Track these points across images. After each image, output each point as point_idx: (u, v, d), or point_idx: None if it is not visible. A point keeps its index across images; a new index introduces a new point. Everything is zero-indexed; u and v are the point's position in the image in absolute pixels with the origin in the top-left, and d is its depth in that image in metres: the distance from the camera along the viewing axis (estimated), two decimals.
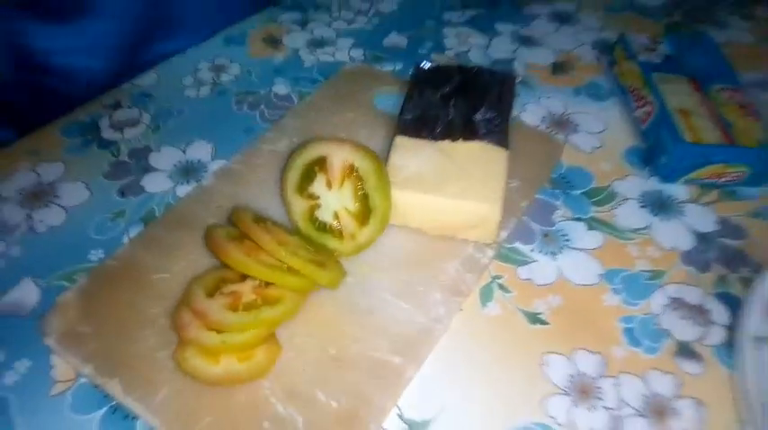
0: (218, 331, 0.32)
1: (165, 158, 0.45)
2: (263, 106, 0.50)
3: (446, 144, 0.41)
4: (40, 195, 0.42)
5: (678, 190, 0.46)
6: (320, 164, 0.37)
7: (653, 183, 0.46)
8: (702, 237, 0.43)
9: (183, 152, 0.46)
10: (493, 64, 0.56)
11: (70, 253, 0.39)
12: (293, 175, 0.38)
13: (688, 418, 0.33)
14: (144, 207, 0.42)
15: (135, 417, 0.32)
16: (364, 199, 0.37)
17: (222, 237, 0.34)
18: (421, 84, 0.46)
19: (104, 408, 0.32)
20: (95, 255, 0.39)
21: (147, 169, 0.44)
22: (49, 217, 0.41)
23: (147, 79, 0.51)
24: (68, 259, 0.38)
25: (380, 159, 0.38)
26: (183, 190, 0.43)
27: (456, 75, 0.47)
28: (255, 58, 0.55)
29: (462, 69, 0.47)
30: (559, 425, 0.33)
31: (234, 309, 0.33)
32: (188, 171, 0.45)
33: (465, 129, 0.42)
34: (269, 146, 0.45)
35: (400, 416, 0.33)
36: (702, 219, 0.44)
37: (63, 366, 0.34)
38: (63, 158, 0.45)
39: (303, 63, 0.55)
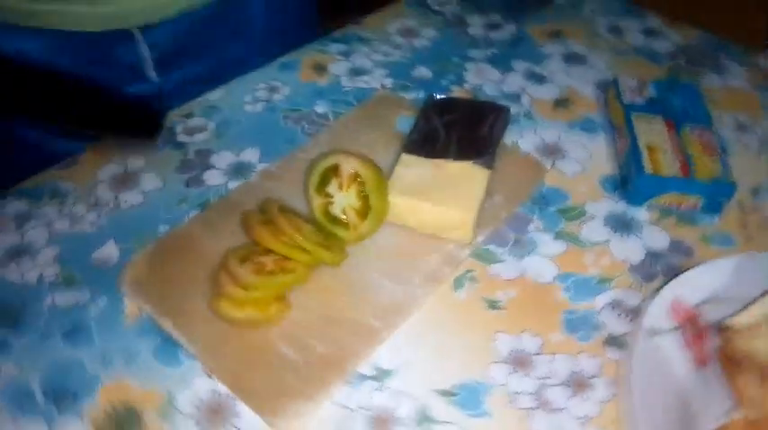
0: (245, 288, 0.43)
1: (223, 159, 0.57)
2: (304, 122, 0.61)
3: (441, 162, 0.52)
4: (125, 181, 0.55)
5: (641, 213, 0.54)
6: (334, 170, 0.48)
7: (621, 206, 0.55)
8: (653, 254, 0.51)
9: (237, 155, 0.58)
10: (504, 97, 0.66)
11: (144, 225, 0.51)
12: (314, 178, 0.49)
13: (601, 391, 0.42)
14: (203, 196, 0.54)
15: (179, 346, 0.43)
16: (365, 199, 0.48)
17: (254, 220, 0.46)
18: (429, 111, 0.57)
19: (159, 338, 0.44)
20: (163, 228, 0.51)
21: (208, 167, 0.57)
22: (131, 197, 0.54)
23: (216, 95, 0.64)
24: (142, 230, 0.51)
25: (380, 169, 0.49)
26: (234, 184, 0.55)
27: (460, 105, 0.57)
28: (304, 82, 0.66)
29: (465, 101, 0.58)
30: (496, 384, 0.42)
31: (258, 273, 0.44)
32: (239, 170, 0.56)
33: (458, 151, 0.52)
34: (304, 154, 0.56)
35: (373, 365, 0.43)
36: (657, 238, 0.52)
37: (132, 306, 0.46)
38: (145, 154, 0.57)
39: (342, 88, 0.66)
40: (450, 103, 0.58)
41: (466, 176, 0.50)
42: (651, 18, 0.78)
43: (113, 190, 0.54)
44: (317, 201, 0.49)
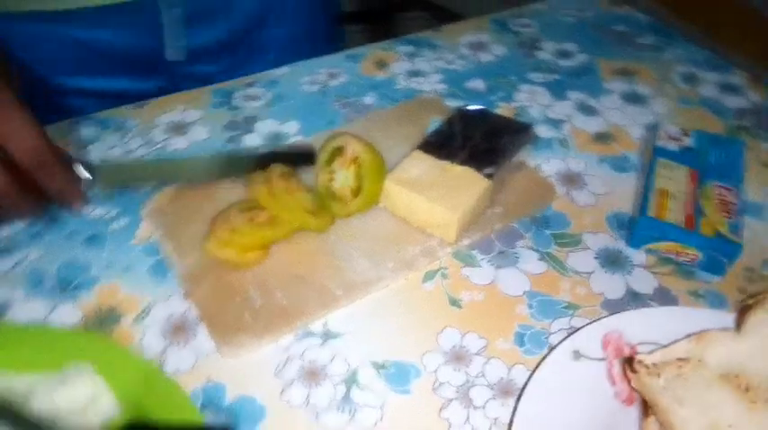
0: (233, 232, 0.49)
1: (266, 126, 0.64)
2: (349, 108, 0.67)
3: (446, 164, 0.55)
4: (178, 128, 0.63)
5: (638, 255, 0.54)
6: (340, 150, 0.53)
7: (618, 245, 0.55)
8: (634, 295, 0.51)
9: (279, 125, 0.64)
10: (546, 121, 0.67)
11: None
12: (323, 155, 0.54)
13: None
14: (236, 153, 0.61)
15: (169, 269, 0.50)
16: (359, 180, 0.52)
17: (257, 179, 0.51)
18: (455, 118, 0.60)
19: (155, 260, 0.51)
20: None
21: (250, 131, 0.63)
22: (178, 143, 0.61)
23: (280, 72, 0.71)
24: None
25: (380, 156, 0.53)
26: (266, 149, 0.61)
27: (487, 118, 0.60)
28: (363, 75, 0.72)
29: (493, 115, 0.60)
30: (426, 370, 0.45)
31: (248, 222, 0.49)
32: (275, 138, 0.63)
33: (466, 158, 0.55)
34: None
35: (324, 325, 0.47)
36: (643, 281, 0.52)
37: (145, 228, 0.53)
38: (203, 109, 0.65)
39: (396, 86, 0.70)
40: (477, 115, 0.61)
41: (465, 181, 0.53)
42: (735, 74, 0.76)
43: (166, 133, 0.62)
44: (322, 176, 0.54)
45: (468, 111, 0.61)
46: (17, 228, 0.53)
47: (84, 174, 0.48)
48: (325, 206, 0.53)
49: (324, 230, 0.51)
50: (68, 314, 0.47)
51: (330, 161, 0.53)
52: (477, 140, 0.57)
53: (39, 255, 0.51)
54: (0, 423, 0.37)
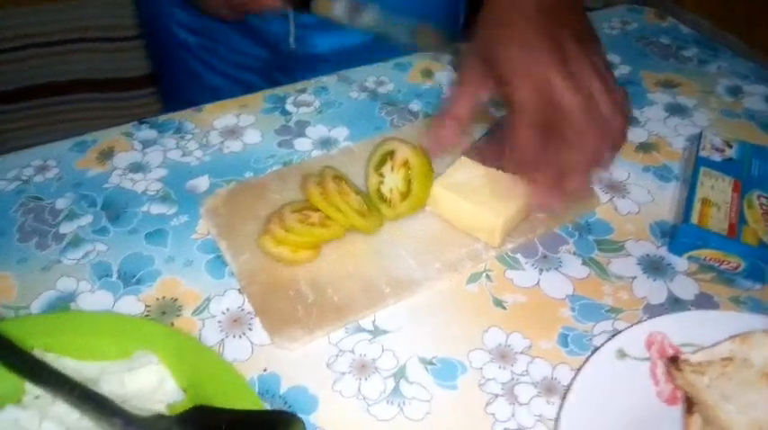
0: (286, 231, 0.51)
1: (316, 132, 0.66)
2: (395, 115, 0.69)
3: (492, 170, 0.56)
4: (234, 131, 0.66)
5: (681, 263, 0.55)
6: (391, 154, 0.55)
7: (660, 252, 0.56)
8: (675, 300, 0.52)
9: (329, 131, 0.67)
10: None
11: (234, 169, 0.61)
12: (374, 158, 0.56)
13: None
14: (288, 156, 0.63)
15: (226, 264, 0.53)
16: (408, 183, 0.54)
17: (310, 181, 0.54)
18: (502, 127, 0.61)
19: (213, 256, 0.54)
20: (248, 174, 0.61)
21: (301, 135, 0.66)
22: (233, 146, 0.64)
23: (330, 79, 0.73)
24: (232, 172, 0.61)
25: (428, 161, 0.54)
26: (316, 153, 0.64)
27: None
28: (410, 83, 0.74)
29: None
30: (472, 367, 0.47)
31: (301, 222, 0.52)
32: (325, 143, 0.65)
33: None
34: None
35: (373, 322, 0.49)
36: (686, 287, 0.53)
37: (203, 225, 0.56)
38: (257, 114, 0.68)
39: (441, 94, 0.72)
40: None
41: (509, 188, 0.55)
42: None
43: (222, 136, 0.65)
44: (373, 179, 0.56)
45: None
46: (83, 222, 0.56)
47: None
48: (374, 208, 0.55)
49: (373, 232, 0.53)
50: (132, 305, 0.50)
51: (380, 165, 0.56)
52: None
53: (104, 248, 0.54)
54: (72, 401, 0.40)
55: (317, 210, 0.53)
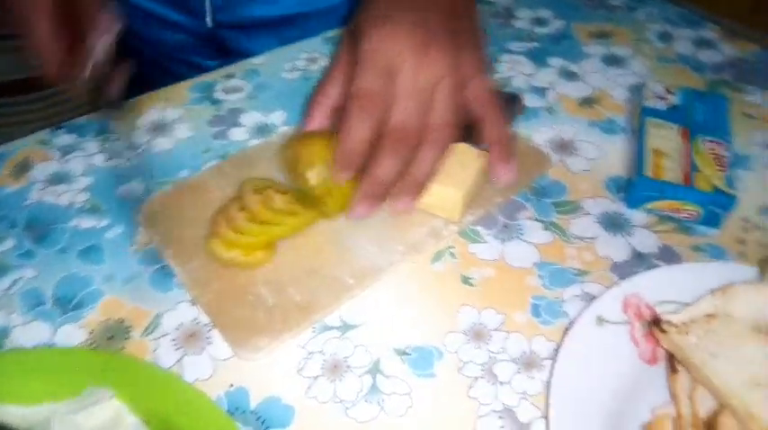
0: (237, 232, 0.47)
1: (251, 118, 0.62)
2: None
3: None
4: (161, 128, 0.61)
5: (639, 216, 0.55)
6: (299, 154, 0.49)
7: (618, 207, 0.55)
8: (638, 255, 0.52)
9: (265, 116, 0.63)
10: (531, 90, 0.67)
11: (168, 169, 0.57)
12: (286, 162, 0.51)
13: (547, 373, 0.44)
14: (224, 149, 0.59)
15: (173, 275, 0.49)
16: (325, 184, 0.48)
17: (247, 188, 0.49)
18: None
19: (157, 267, 0.50)
20: (183, 173, 0.57)
21: (235, 124, 0.62)
22: (163, 143, 0.59)
23: (259, 60, 0.69)
24: (166, 172, 0.56)
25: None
26: (254, 142, 0.60)
27: None
28: None
29: None
30: (448, 351, 0.45)
31: (251, 220, 0.48)
32: (262, 130, 0.61)
33: (462, 134, 0.55)
34: None
35: (340, 317, 0.47)
36: (647, 241, 0.53)
37: (142, 235, 0.51)
38: (184, 106, 0.63)
39: None
40: None
41: (462, 159, 0.52)
42: (708, 29, 0.76)
43: (149, 134, 0.60)
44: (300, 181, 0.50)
45: None
46: (5, 247, 0.51)
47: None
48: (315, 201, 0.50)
49: (335, 215, 0.50)
50: (73, 334, 0.46)
51: (293, 165, 0.50)
52: None
53: (33, 274, 0.49)
54: None
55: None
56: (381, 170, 0.46)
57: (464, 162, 0.52)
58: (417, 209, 0.52)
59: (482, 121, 0.50)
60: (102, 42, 0.48)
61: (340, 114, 0.48)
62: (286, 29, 0.76)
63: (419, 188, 0.49)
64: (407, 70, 0.44)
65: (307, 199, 0.50)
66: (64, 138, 0.60)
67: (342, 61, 0.49)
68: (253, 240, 0.47)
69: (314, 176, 0.48)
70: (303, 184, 0.49)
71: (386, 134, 0.45)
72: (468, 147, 0.53)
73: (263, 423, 0.41)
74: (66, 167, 0.57)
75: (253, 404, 0.42)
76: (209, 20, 0.75)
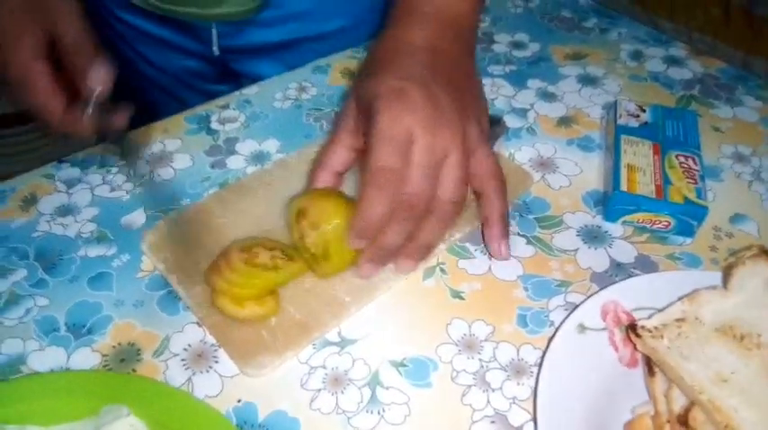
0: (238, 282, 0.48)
1: (246, 147, 0.65)
2: (323, 120, 0.68)
3: None
4: (162, 159, 0.64)
5: (616, 228, 0.58)
6: (303, 213, 0.49)
7: (597, 221, 0.59)
8: (617, 265, 0.55)
9: (259, 144, 0.66)
10: (512, 111, 0.70)
11: (169, 198, 0.60)
12: (291, 211, 0.51)
13: (535, 378, 0.47)
14: (223, 177, 0.62)
15: (179, 299, 0.51)
16: (326, 246, 0.49)
17: (234, 249, 0.49)
18: None
19: (164, 291, 0.52)
20: (185, 201, 0.60)
21: (233, 152, 0.65)
22: (165, 173, 0.62)
23: (252, 90, 0.72)
24: (167, 201, 0.59)
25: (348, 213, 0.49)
26: (251, 169, 0.63)
27: None
28: (332, 86, 0.74)
29: None
30: (442, 362, 0.48)
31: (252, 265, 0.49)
32: (258, 158, 0.64)
33: None
34: (316, 148, 0.64)
35: (339, 333, 0.50)
36: (624, 251, 0.56)
37: (147, 262, 0.54)
38: (182, 137, 0.66)
39: None
40: None
41: None
42: (677, 47, 0.81)
43: (150, 165, 0.63)
44: (295, 233, 0.50)
45: None
46: (17, 277, 0.53)
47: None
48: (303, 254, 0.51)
49: (327, 275, 0.51)
50: (87, 358, 0.48)
51: (298, 220, 0.50)
52: None
53: (46, 302, 0.51)
54: None
55: (271, 248, 0.50)
56: (389, 239, 0.48)
57: None
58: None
59: (483, 196, 0.52)
60: (97, 92, 0.52)
61: (343, 176, 0.53)
62: (289, 53, 0.80)
63: (425, 253, 0.52)
64: (420, 148, 0.46)
65: (296, 254, 0.50)
66: (68, 172, 0.62)
67: (347, 125, 0.52)
68: (254, 289, 0.48)
69: (316, 236, 0.49)
70: (302, 241, 0.49)
71: (397, 206, 0.46)
72: None
73: None
74: (71, 200, 0.60)
75: (260, 418, 0.45)
76: (215, 48, 0.79)
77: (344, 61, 0.77)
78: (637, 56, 0.79)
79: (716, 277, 0.48)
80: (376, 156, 0.46)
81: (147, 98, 0.87)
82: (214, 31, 0.78)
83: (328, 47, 0.78)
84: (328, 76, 0.75)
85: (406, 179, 0.46)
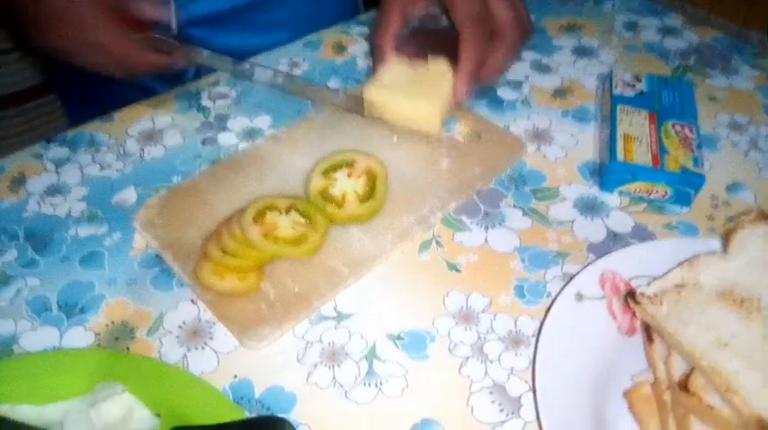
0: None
1: (238, 123, 0.64)
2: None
3: (419, 66, 0.59)
4: (151, 136, 0.63)
5: (612, 199, 0.58)
6: (349, 163, 0.55)
7: (593, 191, 0.58)
8: (614, 235, 0.55)
9: (251, 121, 0.65)
10: (506, 83, 0.70)
11: (161, 175, 0.59)
12: (323, 165, 0.55)
13: (533, 350, 0.47)
14: (215, 154, 0.61)
15: (172, 276, 0.51)
16: (372, 188, 0.54)
17: (247, 217, 0.50)
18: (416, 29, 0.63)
19: (157, 269, 0.52)
20: (176, 179, 0.59)
21: (223, 129, 0.64)
22: (154, 151, 0.61)
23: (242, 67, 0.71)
24: (159, 179, 0.58)
25: (386, 170, 0.55)
26: (243, 146, 0.62)
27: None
28: (323, 59, 0.72)
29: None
30: (439, 334, 0.48)
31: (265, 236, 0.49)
32: (250, 134, 0.63)
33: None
34: (308, 123, 0.63)
35: (335, 307, 0.49)
36: (621, 222, 0.56)
37: (139, 240, 0.53)
38: (172, 114, 0.65)
39: (357, 67, 0.72)
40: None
41: (439, 77, 0.58)
42: (672, 17, 0.80)
43: (140, 143, 0.62)
44: (317, 182, 0.54)
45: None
46: (7, 258, 0.52)
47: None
48: (316, 214, 0.52)
49: (314, 253, 0.51)
50: (80, 337, 0.48)
51: (332, 170, 0.55)
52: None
53: (37, 282, 0.51)
54: None
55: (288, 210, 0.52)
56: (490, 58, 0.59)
57: (442, 81, 0.57)
58: (399, 126, 0.59)
59: (465, 41, 0.57)
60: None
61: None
62: (250, 15, 0.80)
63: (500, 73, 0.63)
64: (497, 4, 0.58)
65: (311, 209, 0.52)
66: (57, 151, 0.61)
67: (394, 6, 0.60)
68: (245, 263, 0.49)
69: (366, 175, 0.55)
70: (326, 192, 0.54)
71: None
72: (444, 63, 0.58)
73: (267, 409, 0.43)
74: (60, 179, 0.59)
75: (257, 393, 0.44)
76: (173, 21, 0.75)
77: (336, 36, 0.75)
78: (631, 26, 0.78)
79: (714, 244, 0.47)
80: (466, 8, 0.57)
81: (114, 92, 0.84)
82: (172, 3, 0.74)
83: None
84: (319, 51, 0.74)
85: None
